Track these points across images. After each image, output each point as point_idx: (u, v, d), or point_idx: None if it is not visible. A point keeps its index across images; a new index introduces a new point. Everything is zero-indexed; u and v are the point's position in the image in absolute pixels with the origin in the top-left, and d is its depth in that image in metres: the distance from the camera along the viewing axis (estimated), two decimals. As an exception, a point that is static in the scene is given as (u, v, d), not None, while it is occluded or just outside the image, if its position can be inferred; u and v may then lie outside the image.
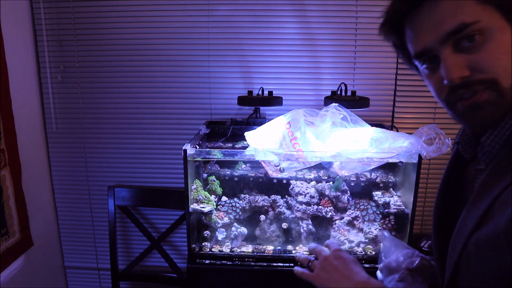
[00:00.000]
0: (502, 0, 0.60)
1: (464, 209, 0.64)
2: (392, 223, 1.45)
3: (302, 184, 1.51)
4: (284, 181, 1.52)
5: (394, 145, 1.30)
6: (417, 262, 0.83)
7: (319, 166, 1.52)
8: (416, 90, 1.73)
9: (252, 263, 1.42)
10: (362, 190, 1.54)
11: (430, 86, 0.69)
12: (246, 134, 1.41)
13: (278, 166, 1.41)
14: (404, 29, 0.68)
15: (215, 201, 1.50)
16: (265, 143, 1.36)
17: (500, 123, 0.62)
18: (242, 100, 1.63)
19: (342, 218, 1.49)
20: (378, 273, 0.90)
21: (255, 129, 1.43)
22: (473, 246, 0.58)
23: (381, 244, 0.92)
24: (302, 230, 1.47)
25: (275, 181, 1.53)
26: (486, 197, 0.58)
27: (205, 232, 1.50)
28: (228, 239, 1.48)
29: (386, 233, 0.94)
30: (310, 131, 1.34)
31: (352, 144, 1.34)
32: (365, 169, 1.42)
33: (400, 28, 0.69)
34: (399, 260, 0.85)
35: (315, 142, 1.33)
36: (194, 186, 1.46)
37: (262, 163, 1.43)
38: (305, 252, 1.43)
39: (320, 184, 1.52)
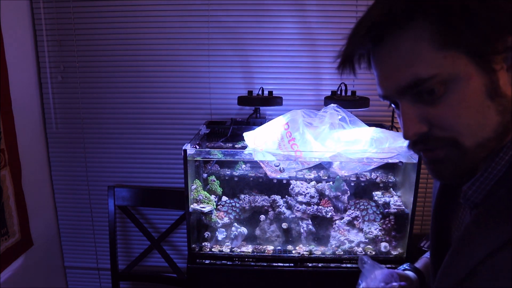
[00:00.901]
0: (469, 43, 0.50)
1: (447, 253, 0.60)
2: (392, 223, 1.45)
3: (302, 184, 1.51)
4: (284, 181, 1.52)
5: (394, 145, 1.30)
6: None
7: (319, 166, 1.52)
8: (416, 90, 1.73)
9: (252, 263, 1.42)
10: (362, 190, 1.55)
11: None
12: (245, 134, 1.41)
13: (278, 166, 1.41)
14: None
15: (215, 201, 1.50)
16: (263, 143, 1.36)
17: (462, 178, 0.58)
18: (242, 100, 1.63)
19: (342, 218, 1.49)
20: None
21: (255, 129, 1.43)
22: None
23: (361, 267, 0.93)
24: (302, 230, 1.47)
25: (275, 181, 1.53)
26: (471, 253, 0.54)
27: (205, 232, 1.50)
28: (228, 239, 1.48)
29: (365, 258, 0.93)
30: (308, 132, 1.34)
31: (352, 145, 1.34)
32: (365, 169, 1.42)
33: (368, 58, 0.61)
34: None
35: (314, 143, 1.33)
36: (194, 186, 1.46)
37: (261, 163, 1.43)
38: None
39: (320, 184, 1.52)
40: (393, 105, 0.61)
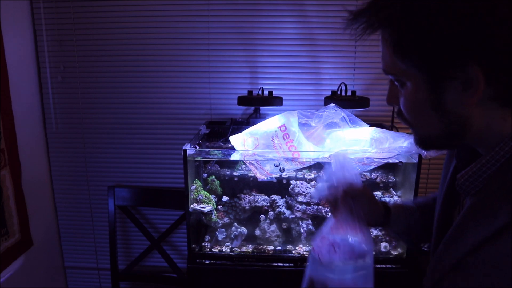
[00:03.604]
0: (418, 64, 0.54)
1: (443, 239, 0.62)
2: (392, 223, 1.45)
3: (302, 184, 1.51)
4: (284, 181, 1.52)
5: (394, 145, 1.30)
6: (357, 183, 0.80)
7: (319, 166, 1.52)
8: (416, 90, 1.73)
9: (252, 263, 1.42)
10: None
11: None
12: (231, 138, 1.39)
13: (278, 166, 1.41)
14: None
15: (215, 201, 1.50)
16: (254, 145, 1.35)
17: (436, 148, 0.65)
18: (242, 100, 1.63)
19: (342, 218, 1.49)
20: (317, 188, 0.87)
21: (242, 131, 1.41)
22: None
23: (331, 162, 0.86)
24: (302, 230, 1.47)
25: (275, 181, 1.53)
26: (462, 242, 0.57)
27: (205, 233, 1.50)
28: (228, 239, 1.48)
29: (339, 155, 0.87)
30: (306, 132, 1.33)
31: (352, 145, 1.34)
32: (365, 169, 1.41)
33: None
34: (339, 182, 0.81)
35: (310, 145, 1.33)
36: (194, 186, 1.46)
37: (251, 166, 1.42)
38: (305, 253, 1.43)
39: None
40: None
